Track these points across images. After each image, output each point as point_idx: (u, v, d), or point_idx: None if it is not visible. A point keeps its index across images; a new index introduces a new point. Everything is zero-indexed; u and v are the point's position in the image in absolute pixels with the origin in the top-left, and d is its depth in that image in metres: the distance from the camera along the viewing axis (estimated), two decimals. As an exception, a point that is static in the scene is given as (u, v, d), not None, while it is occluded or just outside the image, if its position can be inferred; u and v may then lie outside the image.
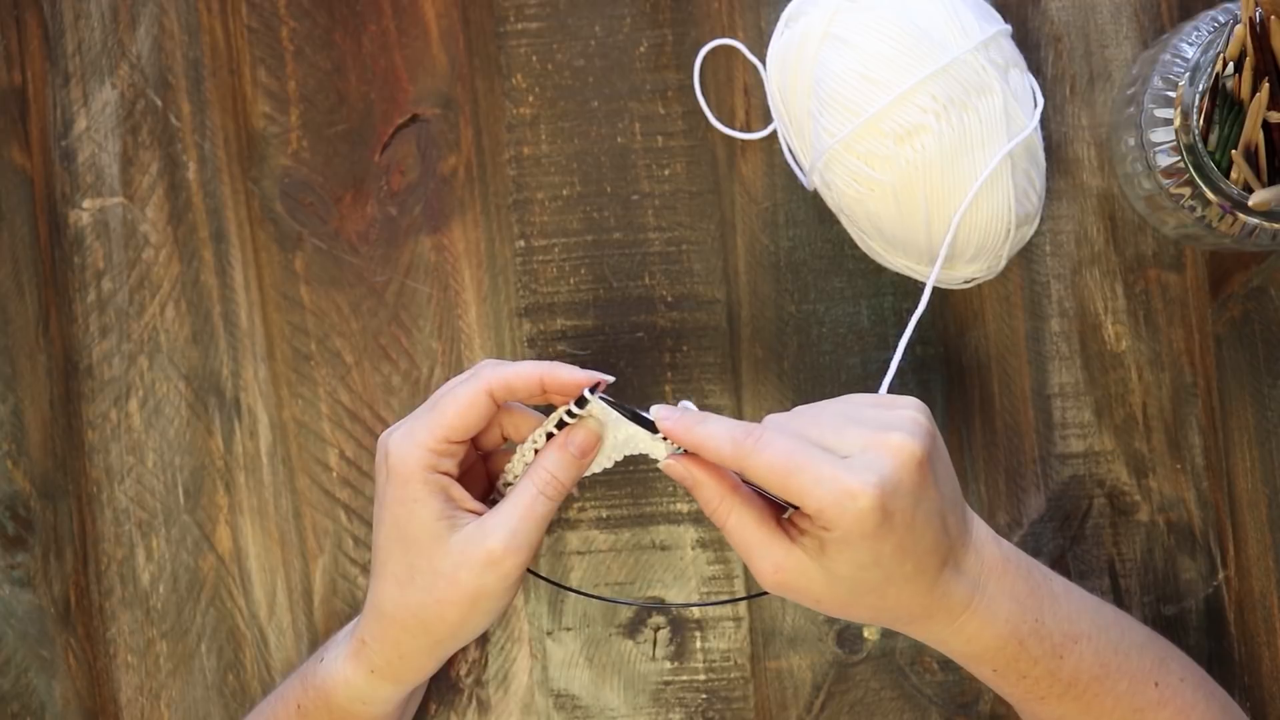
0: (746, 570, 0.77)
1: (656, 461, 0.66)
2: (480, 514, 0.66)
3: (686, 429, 0.63)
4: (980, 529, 0.66)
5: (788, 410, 0.65)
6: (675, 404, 0.65)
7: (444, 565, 0.65)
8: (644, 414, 0.64)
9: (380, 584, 0.67)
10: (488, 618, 0.67)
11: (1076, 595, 0.68)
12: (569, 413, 0.65)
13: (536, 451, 0.66)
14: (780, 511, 0.63)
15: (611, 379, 0.66)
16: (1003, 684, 0.67)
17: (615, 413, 0.65)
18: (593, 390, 0.65)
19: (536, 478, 0.65)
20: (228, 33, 0.79)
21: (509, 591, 0.66)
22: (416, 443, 0.65)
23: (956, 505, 0.64)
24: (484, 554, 0.64)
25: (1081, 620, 0.66)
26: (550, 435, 0.66)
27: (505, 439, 0.69)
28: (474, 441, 0.68)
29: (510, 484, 0.68)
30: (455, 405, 0.65)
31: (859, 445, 0.61)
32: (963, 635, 0.65)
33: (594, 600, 0.78)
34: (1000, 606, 0.64)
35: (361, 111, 0.78)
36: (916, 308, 0.72)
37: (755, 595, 0.77)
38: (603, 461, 0.67)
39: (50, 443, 0.79)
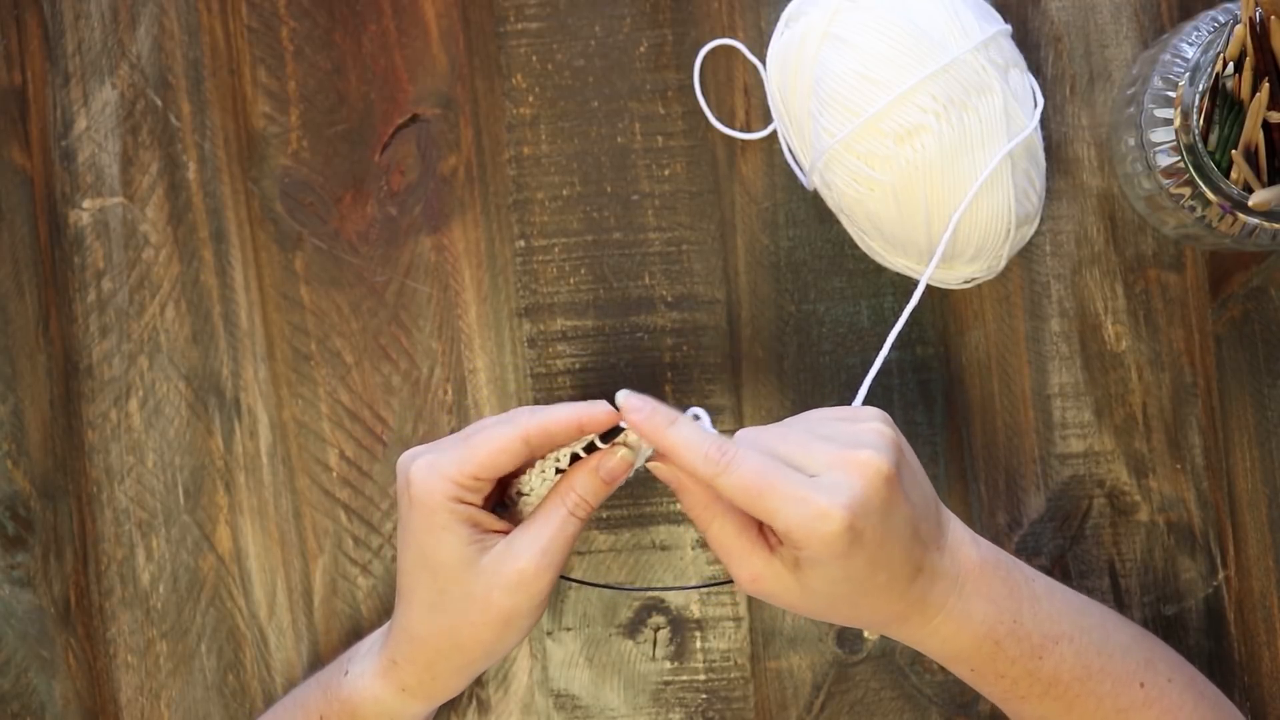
0: (746, 570, 0.78)
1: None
2: (506, 532, 0.65)
3: (655, 429, 0.61)
4: (957, 530, 0.66)
5: (785, 413, 0.65)
6: (684, 409, 0.64)
7: (475, 588, 0.64)
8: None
9: (409, 608, 0.67)
10: (519, 635, 0.67)
11: (1060, 596, 0.68)
12: (602, 437, 0.65)
13: (558, 470, 0.66)
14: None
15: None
16: (981, 683, 0.67)
17: (636, 439, 0.65)
18: (619, 430, 0.64)
19: (567, 499, 0.65)
20: (228, 33, 0.79)
21: (539, 609, 0.66)
22: (441, 475, 0.64)
23: (930, 511, 0.64)
24: (515, 574, 0.64)
25: (1063, 621, 0.66)
26: (576, 456, 0.66)
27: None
28: None
29: (524, 494, 0.67)
30: (488, 446, 0.64)
31: (826, 463, 0.61)
32: (938, 637, 0.65)
33: (594, 601, 0.78)
34: (976, 608, 0.64)
35: (361, 111, 0.78)
36: (914, 306, 0.72)
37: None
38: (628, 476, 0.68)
39: (50, 443, 0.79)
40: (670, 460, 0.62)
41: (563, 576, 0.76)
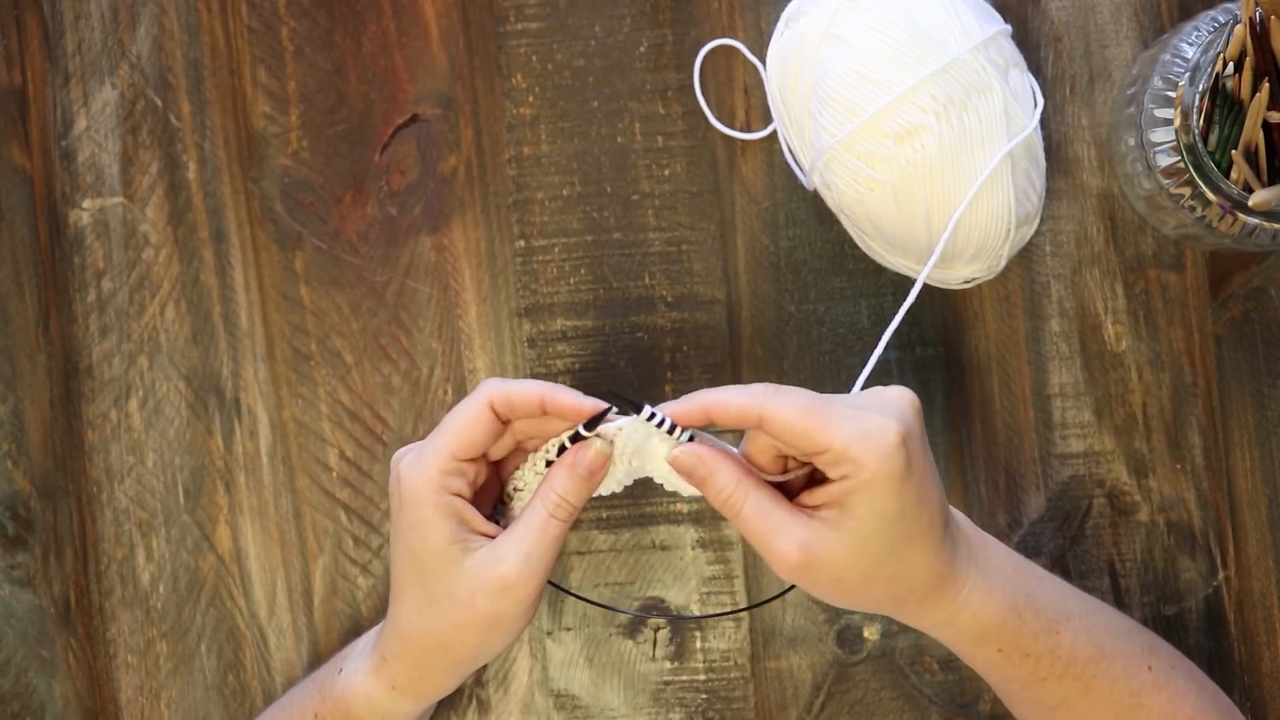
0: (747, 570, 0.78)
1: (663, 486, 0.66)
2: (493, 535, 0.65)
3: (693, 402, 0.63)
4: (954, 508, 0.67)
5: None
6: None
7: (459, 590, 0.64)
8: (642, 403, 0.63)
9: (399, 606, 0.67)
10: (507, 638, 0.66)
11: (1059, 579, 0.69)
12: (586, 426, 0.65)
13: (549, 464, 0.66)
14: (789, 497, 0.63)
15: (611, 408, 0.65)
16: (1006, 665, 0.67)
17: (624, 437, 0.64)
18: (601, 417, 0.64)
19: (547, 500, 0.64)
20: (228, 33, 0.79)
21: (526, 614, 0.65)
22: (425, 465, 0.64)
23: (938, 474, 0.65)
24: (498, 579, 0.64)
25: (1068, 600, 0.68)
26: (563, 448, 0.65)
27: (518, 444, 0.68)
28: (486, 456, 0.68)
29: (519, 489, 0.67)
30: (459, 421, 0.64)
31: (860, 400, 0.62)
32: (967, 610, 0.65)
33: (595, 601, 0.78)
34: (994, 581, 0.65)
35: (361, 111, 0.78)
36: (915, 306, 0.72)
37: (755, 605, 0.77)
38: (612, 485, 0.67)
39: (50, 443, 0.79)
40: (717, 416, 0.62)
41: (558, 587, 0.76)
